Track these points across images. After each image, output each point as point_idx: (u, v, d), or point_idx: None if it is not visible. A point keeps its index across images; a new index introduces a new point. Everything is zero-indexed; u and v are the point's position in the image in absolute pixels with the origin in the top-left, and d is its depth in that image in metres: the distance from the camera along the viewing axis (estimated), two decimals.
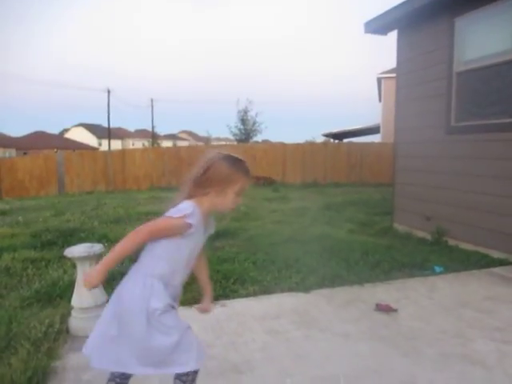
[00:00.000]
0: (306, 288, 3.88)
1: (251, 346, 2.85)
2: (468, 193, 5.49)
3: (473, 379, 2.44)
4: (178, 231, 1.77)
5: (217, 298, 3.66)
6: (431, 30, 6.16)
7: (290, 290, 3.87)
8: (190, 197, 1.85)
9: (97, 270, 1.70)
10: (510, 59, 4.96)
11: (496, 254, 4.90)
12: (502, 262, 4.72)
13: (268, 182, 16.30)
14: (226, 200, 1.86)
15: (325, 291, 3.86)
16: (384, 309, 3.36)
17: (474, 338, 2.94)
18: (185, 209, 1.77)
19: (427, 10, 5.90)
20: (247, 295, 3.77)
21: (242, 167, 1.90)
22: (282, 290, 3.86)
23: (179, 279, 1.91)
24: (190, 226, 1.77)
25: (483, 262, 4.73)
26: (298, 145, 18.59)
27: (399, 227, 6.66)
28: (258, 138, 35.31)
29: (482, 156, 5.29)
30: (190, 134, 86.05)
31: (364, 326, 3.14)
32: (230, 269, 4.44)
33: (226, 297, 3.72)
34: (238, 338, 2.96)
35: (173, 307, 1.86)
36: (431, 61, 6.16)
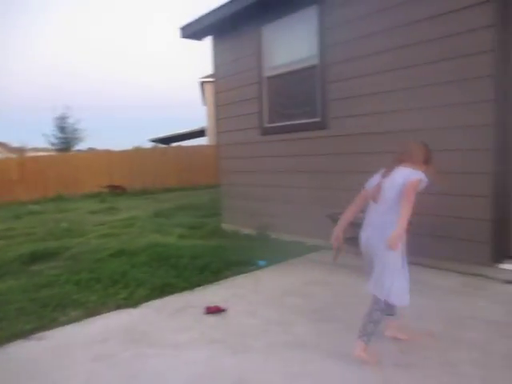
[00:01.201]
0: (134, 303, 3.70)
1: (74, 381, 2.58)
2: (283, 188, 5.97)
3: (296, 363, 2.61)
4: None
5: (31, 331, 3.24)
6: (243, 37, 6.52)
7: (118, 307, 3.64)
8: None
9: (399, 235, 2.45)
10: (308, 66, 5.54)
11: (311, 242, 5.42)
12: (316, 248, 5.23)
13: (122, 191, 15.57)
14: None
15: (154, 303, 3.74)
16: (213, 311, 3.40)
17: (295, 323, 3.17)
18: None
19: (237, 18, 6.19)
20: (69, 322, 3.41)
21: None
22: (109, 309, 3.61)
23: None
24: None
25: (301, 251, 5.17)
26: (124, 152, 17.93)
27: (227, 227, 6.89)
28: (82, 146, 33.05)
29: (291, 153, 5.81)
30: (1, 144, 75.71)
31: (195, 332, 3.12)
32: (48, 295, 3.97)
33: (44, 328, 3.29)
34: (58, 374, 2.65)
35: None
36: (244, 66, 6.51)
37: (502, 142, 3.83)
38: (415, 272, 4.17)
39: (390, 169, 2.69)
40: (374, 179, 2.77)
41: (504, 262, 3.87)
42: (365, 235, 2.75)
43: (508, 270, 3.80)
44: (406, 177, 2.54)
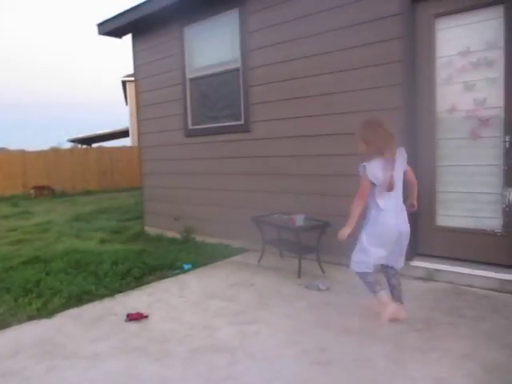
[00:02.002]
0: (49, 313, 3.48)
1: None
2: (207, 190, 5.95)
3: (219, 366, 2.60)
4: None
5: None
6: (165, 37, 6.39)
7: (30, 318, 3.41)
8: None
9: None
10: (231, 69, 5.56)
11: (236, 244, 5.45)
12: (241, 251, 5.28)
13: (49, 191, 14.65)
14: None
15: (71, 312, 3.55)
16: (135, 318, 3.30)
17: (219, 327, 3.16)
18: None
19: (158, 17, 6.07)
20: None
21: None
22: (20, 321, 3.37)
23: None
24: None
25: (226, 253, 5.19)
26: (40, 152, 16.88)
27: (150, 230, 6.73)
28: None
29: (216, 156, 5.80)
30: None
31: (115, 340, 3.01)
32: None
33: None
34: None
35: None
36: (168, 66, 6.39)
37: (412, 146, 4.10)
38: (335, 271, 4.34)
39: (390, 161, 2.99)
40: (377, 172, 3.00)
41: (414, 259, 4.14)
42: (396, 222, 3.07)
43: (418, 266, 4.08)
44: (404, 162, 3.09)
